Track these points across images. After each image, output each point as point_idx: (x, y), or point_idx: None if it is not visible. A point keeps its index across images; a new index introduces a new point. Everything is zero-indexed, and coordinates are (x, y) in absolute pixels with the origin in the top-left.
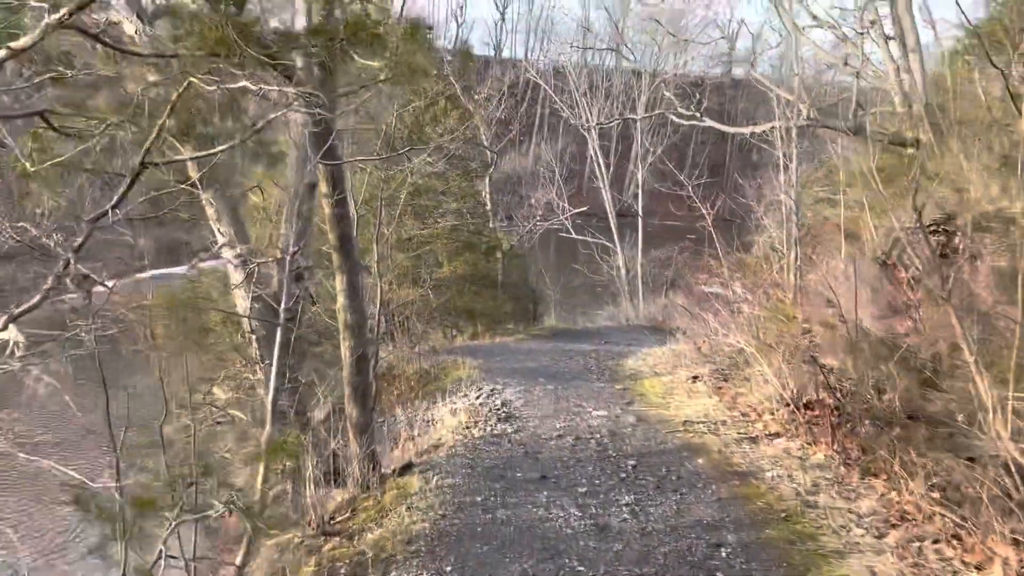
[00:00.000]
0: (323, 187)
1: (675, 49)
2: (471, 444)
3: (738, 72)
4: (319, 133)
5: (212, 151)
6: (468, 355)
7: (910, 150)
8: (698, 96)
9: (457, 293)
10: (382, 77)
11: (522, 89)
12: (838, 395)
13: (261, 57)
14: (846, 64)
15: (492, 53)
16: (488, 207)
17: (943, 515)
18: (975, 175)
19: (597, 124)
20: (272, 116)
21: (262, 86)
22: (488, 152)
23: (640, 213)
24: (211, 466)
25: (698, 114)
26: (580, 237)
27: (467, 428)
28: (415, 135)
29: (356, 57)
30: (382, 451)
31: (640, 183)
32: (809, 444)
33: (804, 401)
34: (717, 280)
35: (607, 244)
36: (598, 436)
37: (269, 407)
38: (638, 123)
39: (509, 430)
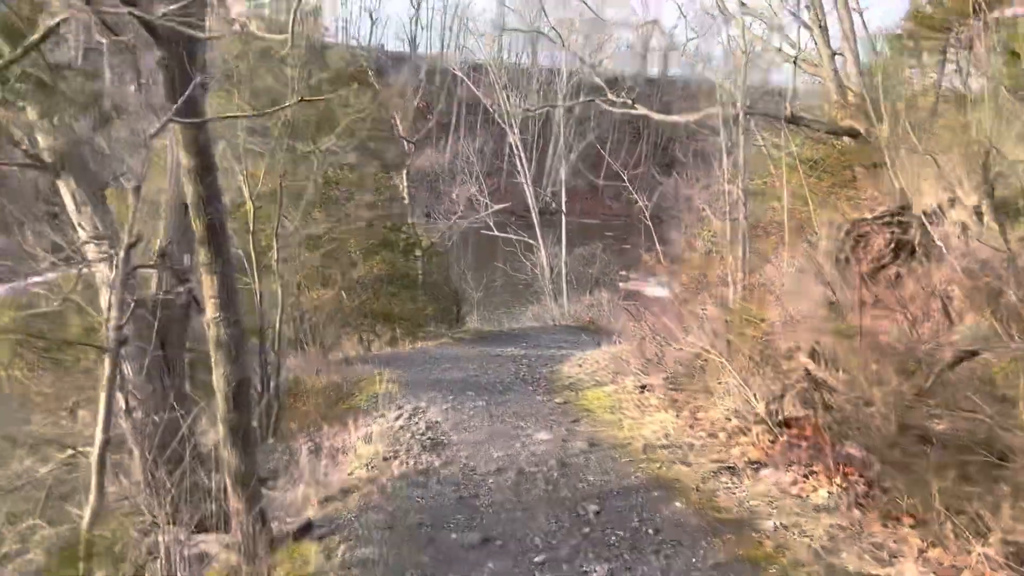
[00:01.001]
0: (184, 158)
1: (591, 45)
2: (390, 487)
3: (652, 71)
4: (173, 76)
5: None
6: (386, 365)
7: (846, 139)
8: (628, 84)
9: (374, 295)
10: None
11: (439, 86)
12: (829, 412)
13: None
14: (779, 51)
15: (407, 49)
16: (406, 201)
17: None
18: None
19: (523, 111)
20: (60, 18)
21: None
22: (405, 143)
23: (563, 209)
24: None
25: (629, 101)
26: (502, 234)
27: (385, 461)
28: (325, 120)
29: None
30: (284, 484)
31: (562, 178)
32: (804, 477)
33: (781, 418)
34: (654, 278)
35: (530, 241)
36: (545, 469)
37: (94, 472)
38: (559, 118)
39: (436, 463)
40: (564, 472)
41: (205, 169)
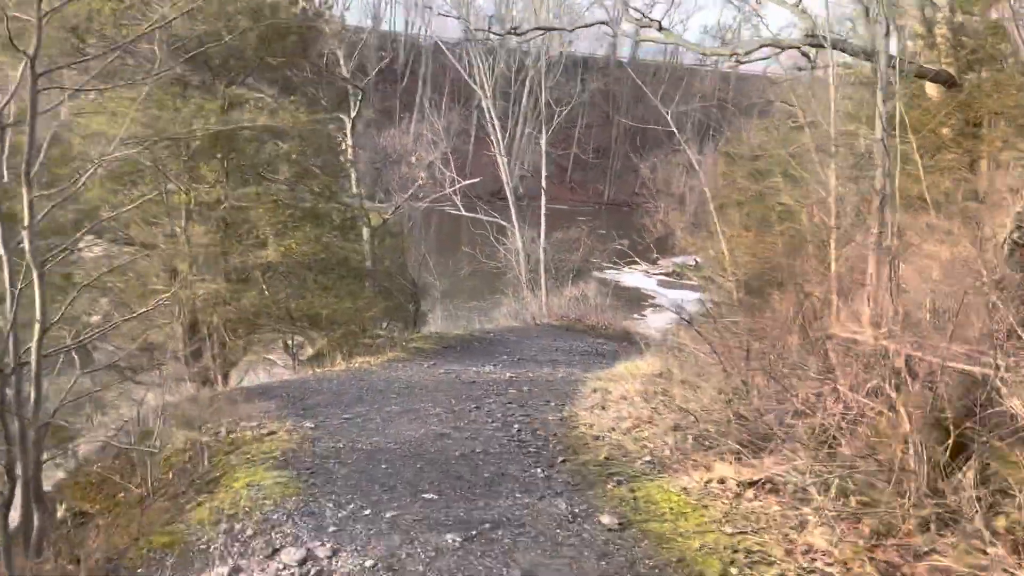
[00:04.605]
0: None
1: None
2: None
3: (623, 54)
4: None
5: None
6: (297, 405)
7: (931, 90)
8: (600, 65)
9: (297, 288)
10: None
11: (403, 63)
12: None
13: None
14: None
15: (370, 24)
16: (348, 162)
17: None
18: None
19: (509, 32)
20: None
21: None
22: (350, 87)
23: (543, 185)
24: None
25: (656, 23)
26: (471, 214)
27: None
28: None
29: None
30: None
31: (543, 149)
32: None
33: None
34: (633, 267)
35: (502, 223)
36: None
37: None
38: (542, 69)
39: None
40: None
41: None
